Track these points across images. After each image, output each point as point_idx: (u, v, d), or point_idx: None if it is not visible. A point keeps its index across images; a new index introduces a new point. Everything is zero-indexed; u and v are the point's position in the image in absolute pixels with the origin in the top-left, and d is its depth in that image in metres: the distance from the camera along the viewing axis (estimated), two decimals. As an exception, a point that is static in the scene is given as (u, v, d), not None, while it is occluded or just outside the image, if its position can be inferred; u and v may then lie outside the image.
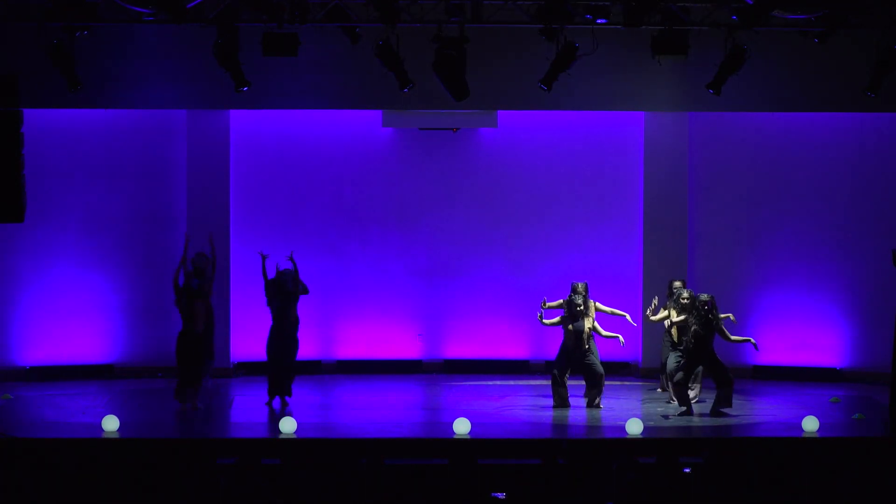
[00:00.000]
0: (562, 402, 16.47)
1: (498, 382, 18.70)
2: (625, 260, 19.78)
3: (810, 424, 14.72)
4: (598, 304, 16.81)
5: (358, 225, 19.88)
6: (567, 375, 16.49)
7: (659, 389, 17.73)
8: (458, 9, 15.81)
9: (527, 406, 16.80)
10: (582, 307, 16.38)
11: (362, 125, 19.70)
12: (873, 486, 12.26)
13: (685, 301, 16.38)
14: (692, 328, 15.93)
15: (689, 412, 15.91)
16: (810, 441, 14.37)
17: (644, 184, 19.49)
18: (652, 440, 14.48)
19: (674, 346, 16.71)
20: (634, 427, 14.58)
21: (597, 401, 16.43)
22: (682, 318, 16.36)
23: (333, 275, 19.59)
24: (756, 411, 16.65)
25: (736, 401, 16.63)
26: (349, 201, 19.86)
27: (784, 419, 15.84)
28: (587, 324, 16.41)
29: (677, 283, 17.37)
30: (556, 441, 14.72)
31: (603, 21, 15.82)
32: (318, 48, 17.10)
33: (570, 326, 16.41)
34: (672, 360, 16.63)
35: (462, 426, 14.54)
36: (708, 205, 19.70)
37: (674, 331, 16.68)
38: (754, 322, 19.51)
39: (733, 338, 16.20)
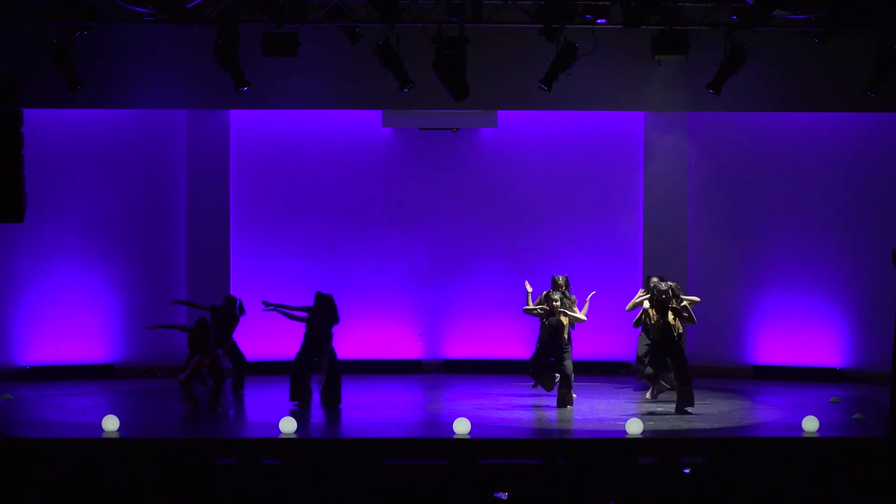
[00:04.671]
0: (548, 385, 16.69)
1: (498, 382, 18.69)
2: (625, 260, 19.76)
3: (810, 424, 14.71)
4: (573, 301, 16.74)
5: (358, 225, 19.87)
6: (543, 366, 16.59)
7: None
8: (458, 9, 15.81)
9: (527, 406, 16.78)
10: (558, 303, 16.36)
11: (362, 125, 19.69)
12: (873, 486, 12.26)
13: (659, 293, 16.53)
14: (656, 318, 15.96)
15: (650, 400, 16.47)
16: (810, 441, 14.36)
17: (644, 184, 19.48)
18: (652, 440, 14.48)
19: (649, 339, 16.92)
20: (634, 427, 14.57)
21: (567, 399, 16.41)
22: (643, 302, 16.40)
23: (333, 275, 19.57)
24: (756, 411, 16.65)
25: (736, 401, 16.63)
26: (349, 201, 19.85)
27: (784, 419, 15.82)
28: (564, 320, 16.37)
29: (654, 279, 17.39)
30: (556, 441, 14.72)
31: (603, 21, 15.84)
32: (318, 48, 17.11)
33: (546, 321, 16.43)
34: (643, 351, 17.08)
35: (462, 426, 14.53)
36: (708, 205, 19.69)
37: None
38: (754, 322, 19.51)
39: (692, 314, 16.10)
